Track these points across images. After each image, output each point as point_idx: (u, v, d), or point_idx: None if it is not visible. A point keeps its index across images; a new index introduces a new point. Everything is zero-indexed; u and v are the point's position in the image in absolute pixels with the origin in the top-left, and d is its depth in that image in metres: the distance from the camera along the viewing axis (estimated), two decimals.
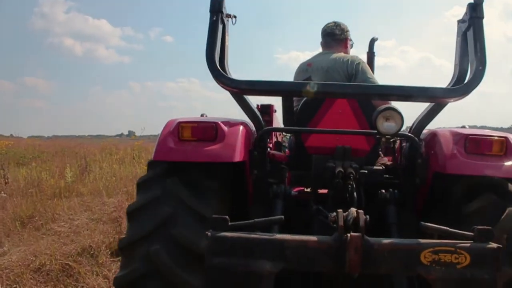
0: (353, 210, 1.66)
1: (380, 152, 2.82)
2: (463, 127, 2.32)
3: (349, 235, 1.51)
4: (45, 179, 7.70)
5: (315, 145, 2.36)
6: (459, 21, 2.16)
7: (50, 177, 7.96)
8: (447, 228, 1.63)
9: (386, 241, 1.58)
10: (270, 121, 3.23)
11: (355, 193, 2.15)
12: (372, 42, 3.67)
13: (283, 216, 1.75)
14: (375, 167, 2.44)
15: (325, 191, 2.29)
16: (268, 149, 2.40)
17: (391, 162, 2.66)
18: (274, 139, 3.21)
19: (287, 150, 3.25)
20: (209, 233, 1.56)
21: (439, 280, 1.51)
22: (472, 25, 1.99)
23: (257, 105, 3.32)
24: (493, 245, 1.54)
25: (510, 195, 1.96)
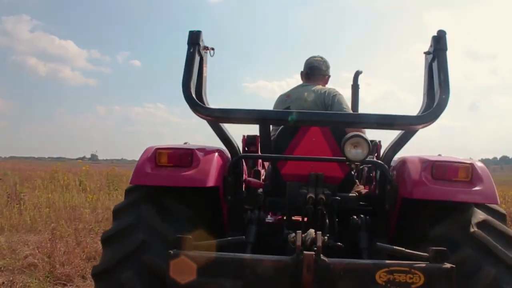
0: (311, 231, 1.74)
1: (356, 180, 2.87)
2: (439, 155, 2.35)
3: (303, 254, 1.56)
4: None
5: (290, 173, 2.41)
6: (425, 53, 2.26)
7: None
8: (403, 249, 1.71)
9: (342, 261, 1.62)
10: (256, 152, 3.25)
11: (327, 219, 2.20)
12: (357, 75, 3.68)
13: (244, 236, 1.83)
14: (348, 194, 2.48)
15: (299, 218, 2.31)
16: (245, 175, 2.48)
17: (367, 190, 2.70)
18: (261, 168, 3.22)
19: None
20: (171, 252, 1.62)
21: None
22: (436, 57, 2.08)
23: (244, 136, 3.37)
24: (447, 265, 1.58)
25: (475, 219, 2.00)
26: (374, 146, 3.62)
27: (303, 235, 1.70)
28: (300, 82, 3.33)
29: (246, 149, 3.23)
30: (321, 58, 3.30)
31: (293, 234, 1.72)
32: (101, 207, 7.93)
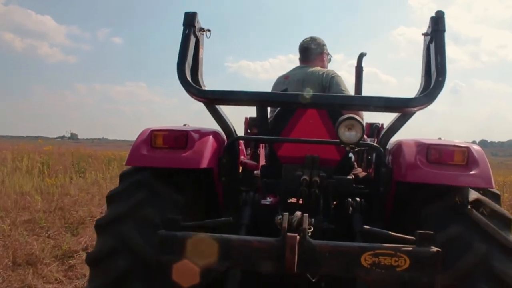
0: (298, 213, 1.77)
1: (355, 163, 2.86)
2: (439, 138, 2.36)
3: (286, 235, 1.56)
4: None
5: (287, 155, 2.43)
6: (424, 34, 2.23)
7: None
8: (389, 232, 1.72)
9: (327, 243, 1.64)
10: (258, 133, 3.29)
11: (322, 201, 2.22)
12: (361, 57, 3.59)
13: (231, 218, 1.83)
14: (344, 177, 2.44)
15: (294, 199, 2.32)
16: (242, 157, 2.53)
17: (365, 173, 2.69)
18: (263, 150, 3.20)
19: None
20: (160, 232, 1.66)
21: (377, 282, 1.58)
22: (434, 38, 2.06)
23: (246, 118, 3.37)
24: (434, 249, 1.58)
25: (469, 198, 1.97)
26: (376, 128, 3.61)
27: (290, 217, 1.71)
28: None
29: (249, 130, 3.20)
30: (310, 38, 3.26)
31: (280, 216, 1.75)
32: (59, 193, 7.00)
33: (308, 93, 2.52)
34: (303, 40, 3.27)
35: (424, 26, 2.24)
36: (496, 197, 2.06)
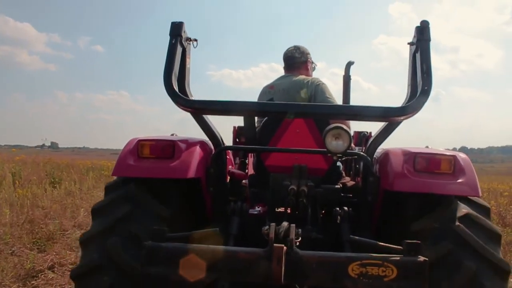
0: (284, 223, 1.76)
1: (343, 172, 2.85)
2: (426, 147, 2.35)
3: (273, 246, 1.55)
4: None
5: (274, 164, 2.42)
6: (409, 44, 2.22)
7: None
8: (376, 242, 1.76)
9: (314, 253, 1.63)
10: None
11: (310, 211, 2.19)
12: (348, 65, 3.62)
13: (218, 228, 1.85)
14: (332, 186, 2.43)
15: (282, 209, 2.30)
16: (230, 167, 2.51)
17: (353, 183, 2.68)
18: (250, 160, 3.15)
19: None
20: (146, 244, 1.63)
21: None
22: (419, 47, 2.07)
23: (234, 127, 3.33)
24: (421, 258, 1.58)
25: (458, 213, 1.95)
26: (364, 137, 3.58)
27: (277, 228, 1.70)
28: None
29: (237, 140, 3.14)
30: (294, 46, 3.28)
31: (267, 227, 1.72)
32: (29, 205, 6.58)
33: (295, 102, 2.45)
34: (287, 49, 3.28)
35: (404, 35, 2.31)
36: (485, 211, 2.04)
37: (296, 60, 3.22)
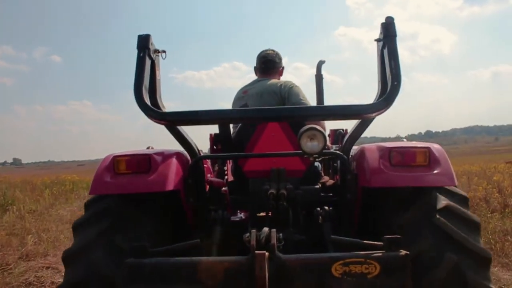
0: (265, 229, 1.75)
1: (322, 172, 2.89)
2: (402, 140, 2.40)
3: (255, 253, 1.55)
4: None
5: (252, 169, 2.42)
6: (376, 40, 2.23)
7: None
8: (358, 240, 1.75)
9: (297, 256, 1.63)
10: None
11: (291, 213, 2.21)
12: (320, 64, 3.61)
13: (199, 240, 1.81)
14: (311, 187, 2.45)
15: (264, 214, 2.31)
16: (209, 175, 2.48)
17: (333, 182, 2.68)
18: (229, 166, 3.14)
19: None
20: (127, 261, 1.62)
21: None
22: (386, 43, 2.08)
23: (211, 135, 3.36)
24: (402, 252, 1.60)
25: (437, 205, 1.96)
26: (340, 135, 3.56)
27: (257, 234, 1.70)
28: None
29: (214, 147, 3.22)
30: (273, 51, 3.32)
31: (248, 234, 1.72)
32: None
33: (267, 107, 2.41)
34: (266, 52, 3.29)
35: (363, 25, 1.97)
36: (464, 201, 2.05)
37: (276, 65, 3.27)
